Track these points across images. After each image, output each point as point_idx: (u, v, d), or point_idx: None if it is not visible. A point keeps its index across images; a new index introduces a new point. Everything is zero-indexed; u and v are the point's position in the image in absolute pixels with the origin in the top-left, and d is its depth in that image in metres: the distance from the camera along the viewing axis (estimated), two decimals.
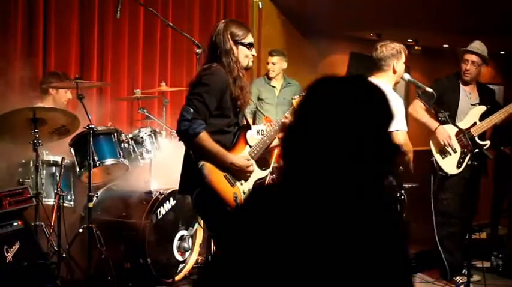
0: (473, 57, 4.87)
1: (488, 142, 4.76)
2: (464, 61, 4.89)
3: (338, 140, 1.33)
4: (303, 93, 1.43)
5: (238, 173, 3.28)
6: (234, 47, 3.29)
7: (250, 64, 3.39)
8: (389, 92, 4.09)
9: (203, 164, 3.17)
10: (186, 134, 3.16)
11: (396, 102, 4.04)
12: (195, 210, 3.42)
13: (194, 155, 3.20)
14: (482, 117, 4.79)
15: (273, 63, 6.06)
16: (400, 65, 4.03)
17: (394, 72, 4.05)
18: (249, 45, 3.35)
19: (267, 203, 1.38)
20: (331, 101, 1.36)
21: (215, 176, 3.19)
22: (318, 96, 1.39)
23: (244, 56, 3.33)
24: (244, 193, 3.29)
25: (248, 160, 3.31)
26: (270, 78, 6.12)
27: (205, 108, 3.16)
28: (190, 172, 3.25)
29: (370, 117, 1.36)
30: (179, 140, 3.26)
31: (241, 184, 3.30)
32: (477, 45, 4.90)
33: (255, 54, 3.42)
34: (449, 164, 4.69)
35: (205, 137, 3.15)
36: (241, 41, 3.31)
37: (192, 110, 3.14)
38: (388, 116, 1.39)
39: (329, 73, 1.43)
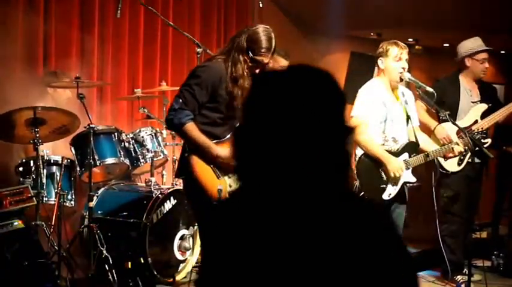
0: (487, 55, 4.91)
1: (489, 140, 4.75)
2: (482, 60, 4.89)
3: (291, 135, 1.26)
4: (249, 91, 1.36)
5: (224, 166, 3.27)
6: (244, 51, 3.24)
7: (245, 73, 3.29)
8: (368, 87, 4.14)
9: (190, 154, 3.23)
10: (171, 123, 3.24)
11: (365, 92, 4.07)
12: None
13: (187, 145, 3.26)
14: (484, 115, 4.79)
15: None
16: (387, 63, 4.02)
17: (382, 70, 4.06)
18: (256, 63, 3.25)
19: (233, 212, 1.33)
20: (278, 97, 1.29)
21: (200, 167, 3.23)
22: (263, 92, 1.32)
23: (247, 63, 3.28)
24: (230, 186, 3.29)
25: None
26: None
27: (193, 100, 3.20)
28: (181, 159, 3.36)
29: (321, 105, 1.29)
30: (166, 128, 3.34)
31: (229, 177, 3.30)
32: (482, 42, 4.92)
33: (257, 72, 3.31)
34: (450, 162, 4.69)
35: (191, 128, 3.19)
36: (254, 55, 3.23)
37: (180, 100, 3.21)
38: (339, 100, 1.32)
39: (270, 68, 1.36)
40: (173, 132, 5.11)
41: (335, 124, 1.30)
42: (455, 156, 4.26)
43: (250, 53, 3.24)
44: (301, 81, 1.31)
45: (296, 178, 1.26)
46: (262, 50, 3.24)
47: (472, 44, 4.92)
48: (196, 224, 4.69)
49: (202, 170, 3.24)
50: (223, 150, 3.27)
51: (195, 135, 3.21)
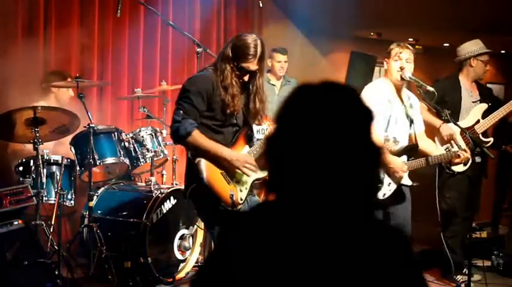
0: (488, 57, 5.03)
1: (491, 139, 4.78)
2: (486, 62, 5.00)
3: (327, 149, 1.27)
4: (283, 103, 1.36)
5: (237, 166, 3.25)
6: (229, 60, 3.24)
7: (234, 83, 3.27)
8: (373, 85, 4.18)
9: (199, 160, 3.20)
10: (177, 135, 3.20)
11: (372, 90, 4.09)
12: (194, 207, 3.46)
13: (191, 153, 3.23)
14: (484, 114, 4.82)
15: (285, 62, 6.07)
16: (390, 63, 4.08)
17: (386, 71, 4.13)
18: (242, 70, 3.25)
19: (264, 223, 1.32)
20: (314, 111, 1.30)
21: (211, 172, 3.20)
22: (298, 105, 1.34)
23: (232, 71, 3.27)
24: (241, 191, 3.29)
25: (247, 157, 3.30)
26: (279, 77, 6.11)
27: (193, 109, 3.20)
28: (189, 171, 3.28)
29: (355, 121, 1.31)
30: (174, 142, 3.30)
31: (238, 182, 3.30)
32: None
33: (246, 79, 3.31)
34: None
35: (197, 135, 3.18)
36: (239, 63, 3.23)
37: (181, 112, 3.20)
38: (368, 118, 1.34)
39: (310, 79, 1.37)
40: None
41: (367, 142, 1.32)
42: (462, 162, 4.23)
43: (236, 61, 3.23)
44: (337, 98, 1.33)
45: (326, 193, 1.27)
46: (249, 57, 3.23)
47: (475, 46, 5.00)
48: (196, 224, 4.71)
49: (214, 176, 3.22)
50: (233, 151, 3.28)
51: (203, 141, 3.19)
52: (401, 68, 4.02)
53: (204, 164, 3.19)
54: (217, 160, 3.22)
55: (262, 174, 3.43)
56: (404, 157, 4.08)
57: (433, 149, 4.25)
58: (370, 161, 1.32)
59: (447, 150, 4.38)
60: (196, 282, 1.37)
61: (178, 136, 3.20)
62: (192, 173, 3.23)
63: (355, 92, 1.37)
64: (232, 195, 3.20)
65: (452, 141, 4.67)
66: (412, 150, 4.13)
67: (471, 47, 4.99)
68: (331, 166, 1.27)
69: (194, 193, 3.26)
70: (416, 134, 4.20)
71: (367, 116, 1.34)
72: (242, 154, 3.30)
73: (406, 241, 1.32)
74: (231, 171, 3.27)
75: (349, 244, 1.26)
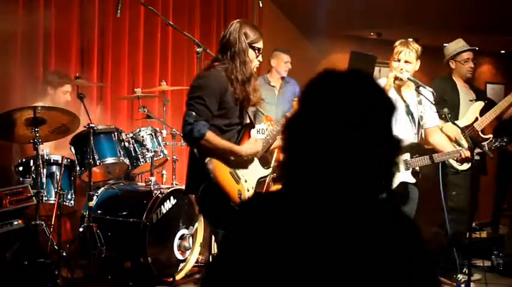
0: (471, 54, 4.97)
1: (490, 136, 4.79)
2: (464, 61, 4.96)
3: (345, 137, 1.26)
4: (304, 88, 1.36)
5: (245, 154, 3.31)
6: (248, 48, 3.29)
7: (254, 69, 3.39)
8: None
9: (209, 159, 3.18)
10: (191, 137, 3.18)
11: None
12: (199, 207, 3.46)
13: (198, 153, 3.22)
14: (481, 113, 4.84)
15: (290, 62, 6.13)
16: (391, 62, 4.12)
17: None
18: (258, 51, 3.36)
19: (269, 207, 1.33)
20: (335, 95, 1.30)
21: (220, 172, 3.21)
22: (320, 91, 1.33)
23: (251, 59, 3.35)
24: (248, 190, 3.30)
25: (256, 141, 3.37)
26: (282, 77, 6.17)
27: (206, 110, 3.19)
28: (196, 170, 3.27)
29: (379, 111, 1.31)
30: (188, 145, 3.30)
31: (246, 182, 3.32)
32: (465, 43, 4.99)
33: (261, 60, 3.42)
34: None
35: (211, 136, 3.18)
36: (253, 45, 3.33)
37: (193, 113, 3.17)
38: (391, 109, 1.34)
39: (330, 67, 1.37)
40: (173, 131, 5.13)
41: (387, 133, 1.32)
42: (466, 159, 4.23)
43: (254, 45, 3.33)
44: (363, 86, 1.33)
45: (343, 180, 1.27)
46: (258, 38, 3.35)
47: (454, 46, 5.03)
48: (196, 224, 4.71)
49: (223, 175, 3.22)
50: (247, 147, 3.31)
51: (218, 142, 3.20)
52: (400, 69, 4.04)
53: (213, 163, 3.19)
54: (229, 158, 3.23)
55: (266, 172, 3.46)
56: (407, 155, 4.08)
57: (447, 146, 4.25)
58: (390, 152, 1.32)
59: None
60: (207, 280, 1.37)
61: (192, 138, 3.18)
62: (201, 172, 3.21)
63: (378, 85, 1.37)
64: (240, 194, 3.22)
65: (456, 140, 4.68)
66: (414, 148, 4.12)
67: (450, 48, 5.05)
68: (351, 154, 1.26)
69: (204, 192, 3.25)
70: (427, 130, 4.21)
71: (389, 107, 1.34)
72: (253, 146, 3.36)
73: (418, 231, 1.31)
74: (242, 166, 3.28)
75: (360, 235, 1.25)
